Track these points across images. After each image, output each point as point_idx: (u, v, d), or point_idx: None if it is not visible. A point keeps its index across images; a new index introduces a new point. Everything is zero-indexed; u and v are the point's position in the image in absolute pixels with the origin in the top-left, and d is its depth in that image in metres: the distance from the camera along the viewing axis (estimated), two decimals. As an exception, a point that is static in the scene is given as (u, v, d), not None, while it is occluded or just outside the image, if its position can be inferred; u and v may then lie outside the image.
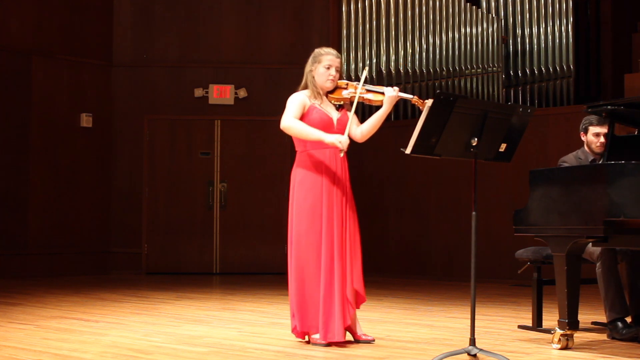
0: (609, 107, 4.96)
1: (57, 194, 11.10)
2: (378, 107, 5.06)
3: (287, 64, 11.73)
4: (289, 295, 5.06)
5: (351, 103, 5.08)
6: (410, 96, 4.95)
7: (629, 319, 5.34)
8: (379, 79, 11.03)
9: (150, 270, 11.52)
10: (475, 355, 4.48)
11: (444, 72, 10.91)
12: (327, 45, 5.35)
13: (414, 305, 7.53)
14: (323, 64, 5.04)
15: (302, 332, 5.03)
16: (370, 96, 5.03)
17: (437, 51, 10.97)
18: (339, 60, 5.09)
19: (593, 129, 5.71)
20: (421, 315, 6.74)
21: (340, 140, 4.87)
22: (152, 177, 11.65)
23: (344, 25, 11.42)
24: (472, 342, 4.49)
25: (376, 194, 10.94)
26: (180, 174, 11.65)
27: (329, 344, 4.89)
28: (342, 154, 4.96)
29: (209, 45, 11.79)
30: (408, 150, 4.49)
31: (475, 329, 4.55)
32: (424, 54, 11.01)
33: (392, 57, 11.09)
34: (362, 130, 5.11)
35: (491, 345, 4.97)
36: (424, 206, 10.95)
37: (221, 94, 11.65)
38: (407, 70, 11.01)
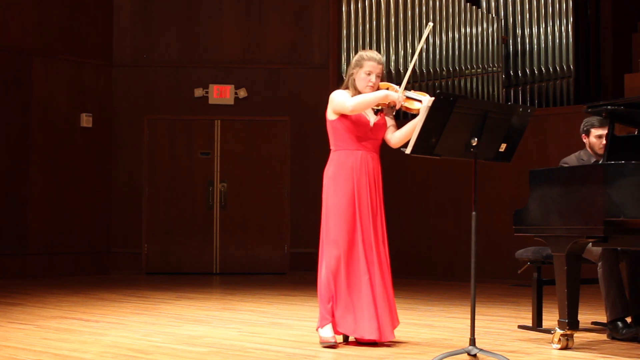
0: (609, 107, 4.96)
1: (57, 194, 11.10)
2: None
3: (287, 64, 11.73)
4: (319, 295, 5.02)
5: (391, 108, 5.10)
6: None
7: (629, 319, 5.34)
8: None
9: (150, 270, 11.52)
10: (475, 355, 4.48)
11: (444, 72, 10.91)
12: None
13: (414, 305, 7.53)
14: (364, 70, 5.07)
15: (339, 332, 5.01)
16: (408, 104, 5.03)
17: (437, 51, 10.97)
18: (380, 66, 5.12)
19: (595, 131, 5.70)
20: (421, 315, 6.75)
21: (399, 100, 4.99)
22: (152, 177, 11.65)
23: (344, 25, 11.42)
24: (472, 342, 4.49)
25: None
26: (180, 174, 11.65)
27: (334, 346, 4.88)
28: (393, 109, 5.06)
29: (209, 45, 11.79)
30: (408, 151, 4.50)
31: (475, 329, 4.56)
32: (424, 54, 11.00)
33: (392, 57, 11.09)
34: (398, 136, 5.13)
35: (491, 345, 4.97)
36: (424, 206, 10.95)
37: (221, 94, 11.65)
38: (407, 70, 11.00)
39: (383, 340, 4.94)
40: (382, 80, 5.17)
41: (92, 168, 11.48)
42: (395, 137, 5.14)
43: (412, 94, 5.09)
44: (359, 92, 5.09)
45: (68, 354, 4.71)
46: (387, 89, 5.12)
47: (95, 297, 8.15)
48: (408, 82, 5.13)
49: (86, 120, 11.39)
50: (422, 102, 4.97)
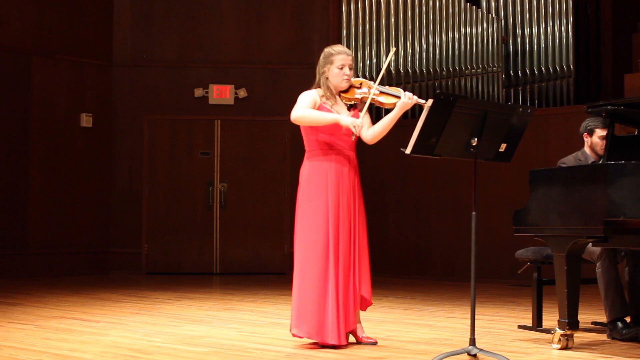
0: (609, 107, 4.96)
1: (57, 194, 11.10)
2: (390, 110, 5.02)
3: (287, 64, 11.73)
4: (292, 297, 5.04)
5: (363, 103, 5.05)
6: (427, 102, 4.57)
7: (628, 319, 5.34)
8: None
9: (150, 270, 11.52)
10: (475, 355, 4.48)
11: (444, 72, 10.91)
12: (327, 46, 5.31)
13: (414, 305, 7.53)
14: (336, 65, 5.00)
15: (294, 335, 5.00)
16: (382, 99, 4.95)
17: (437, 51, 10.97)
18: (350, 57, 5.03)
19: (600, 132, 5.68)
20: (421, 315, 6.75)
21: (355, 125, 4.82)
22: (152, 177, 11.65)
23: (344, 25, 11.42)
24: (472, 342, 4.49)
25: (376, 194, 10.94)
26: (180, 174, 11.65)
27: (335, 346, 4.86)
28: (353, 137, 4.90)
29: (209, 45, 11.79)
30: (408, 150, 4.49)
31: (475, 329, 4.56)
32: (424, 54, 11.01)
33: (392, 57, 11.08)
34: (371, 133, 5.05)
35: (491, 345, 4.97)
36: (424, 206, 10.95)
37: (221, 94, 11.65)
38: (407, 70, 11.01)
39: (340, 344, 4.84)
40: (355, 75, 5.10)
41: (92, 168, 11.47)
42: (369, 133, 5.06)
43: (386, 89, 5.01)
44: (333, 90, 5.03)
45: (68, 354, 4.71)
46: (360, 84, 5.06)
47: (95, 297, 8.15)
48: (382, 80, 5.04)
49: (86, 120, 11.38)
50: (400, 97, 4.91)
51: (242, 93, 11.68)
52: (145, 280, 10.67)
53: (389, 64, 5.03)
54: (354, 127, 4.82)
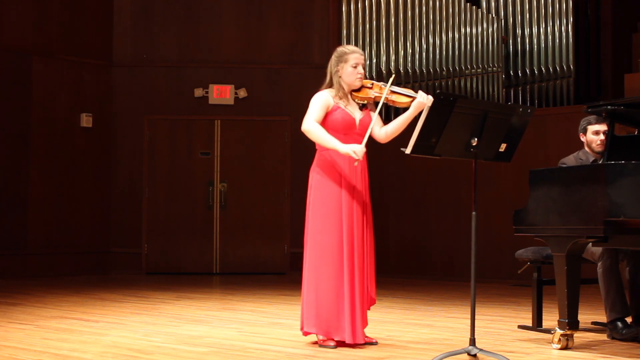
0: (609, 107, 4.96)
1: (57, 194, 11.10)
2: (404, 109, 5.04)
3: (287, 64, 11.73)
4: (301, 296, 5.04)
5: (375, 104, 5.07)
6: None
7: (629, 319, 5.34)
8: (379, 78, 11.02)
9: (150, 270, 11.52)
10: (475, 355, 4.48)
11: (444, 72, 10.91)
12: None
13: (414, 305, 7.53)
14: (350, 64, 5.03)
15: (307, 332, 5.01)
16: (395, 98, 5.00)
17: (437, 51, 10.97)
18: (363, 57, 5.09)
19: (592, 128, 5.69)
20: (421, 315, 6.75)
21: (355, 150, 4.83)
22: (152, 177, 11.65)
23: (344, 25, 11.42)
24: (472, 342, 4.49)
25: (376, 194, 10.90)
26: (180, 174, 11.65)
27: (336, 346, 4.86)
28: (356, 164, 4.90)
29: (209, 45, 11.79)
30: (408, 150, 4.49)
31: (475, 329, 4.56)
32: (424, 54, 11.01)
33: (392, 57, 11.09)
34: (386, 132, 5.08)
35: (491, 345, 4.97)
36: (424, 206, 10.95)
37: (221, 94, 11.65)
38: (407, 70, 11.01)
39: (356, 342, 4.86)
40: (364, 77, 5.12)
41: (92, 168, 11.48)
42: (383, 132, 5.09)
43: (399, 89, 5.05)
44: (346, 89, 5.04)
45: (68, 354, 4.72)
46: (372, 85, 5.09)
47: (95, 297, 8.15)
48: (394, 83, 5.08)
49: (86, 120, 11.39)
50: (417, 97, 4.94)
51: (242, 93, 11.68)
52: (145, 280, 10.67)
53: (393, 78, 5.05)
54: (354, 152, 4.83)
